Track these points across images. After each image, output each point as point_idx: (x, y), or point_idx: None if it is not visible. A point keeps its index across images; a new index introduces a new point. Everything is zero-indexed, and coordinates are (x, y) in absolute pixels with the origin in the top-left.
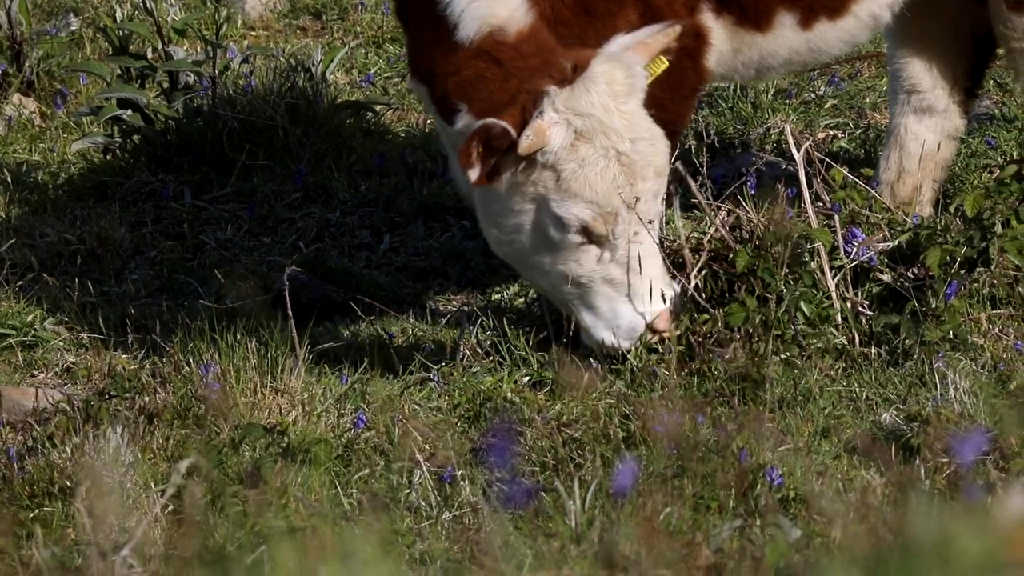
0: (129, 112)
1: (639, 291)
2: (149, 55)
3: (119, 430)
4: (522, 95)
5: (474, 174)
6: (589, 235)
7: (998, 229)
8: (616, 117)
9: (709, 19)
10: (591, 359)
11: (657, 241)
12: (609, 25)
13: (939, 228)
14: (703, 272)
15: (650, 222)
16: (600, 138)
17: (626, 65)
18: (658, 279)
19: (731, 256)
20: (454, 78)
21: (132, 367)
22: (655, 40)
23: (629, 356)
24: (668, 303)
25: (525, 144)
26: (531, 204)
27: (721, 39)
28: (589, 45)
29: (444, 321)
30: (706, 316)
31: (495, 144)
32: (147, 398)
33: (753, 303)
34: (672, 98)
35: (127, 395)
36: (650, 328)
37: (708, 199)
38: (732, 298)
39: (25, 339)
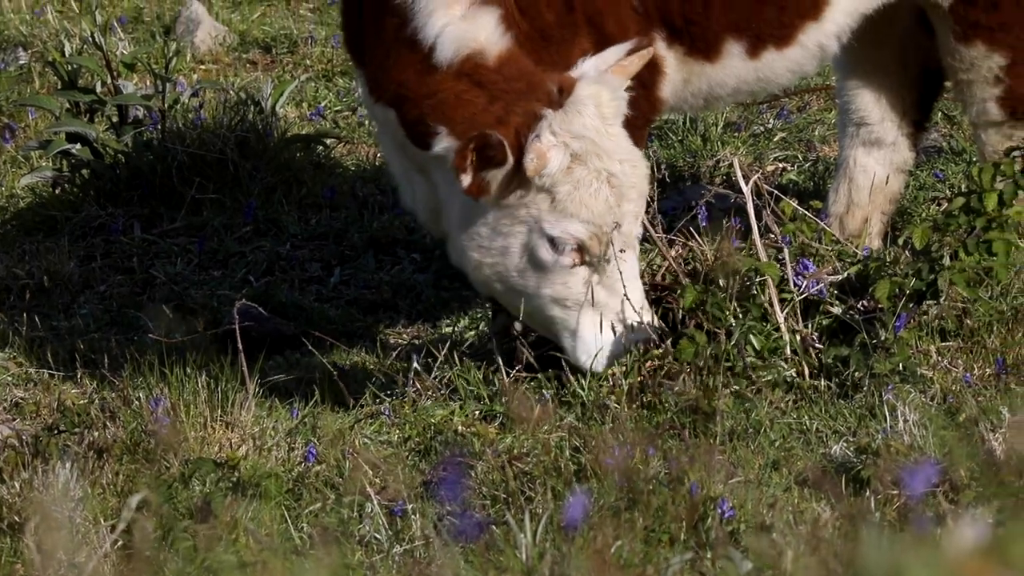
0: (78, 146)
1: (622, 314)
2: (98, 89)
3: (68, 465)
4: (514, 116)
5: (466, 179)
6: (582, 256)
7: (946, 261)
8: (606, 139)
9: (662, 48)
10: (542, 391)
11: (637, 264)
12: (564, 52)
13: (888, 260)
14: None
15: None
16: (594, 160)
17: (612, 87)
18: (640, 302)
19: (678, 292)
20: (430, 101)
21: (81, 402)
22: (631, 62)
23: (580, 390)
24: (649, 327)
25: (532, 166)
26: (521, 226)
27: (672, 69)
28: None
29: (395, 354)
30: (657, 351)
31: (489, 155)
32: (96, 433)
33: (702, 339)
34: (625, 128)
35: (76, 430)
36: (631, 351)
37: (659, 233)
38: (682, 332)
39: None
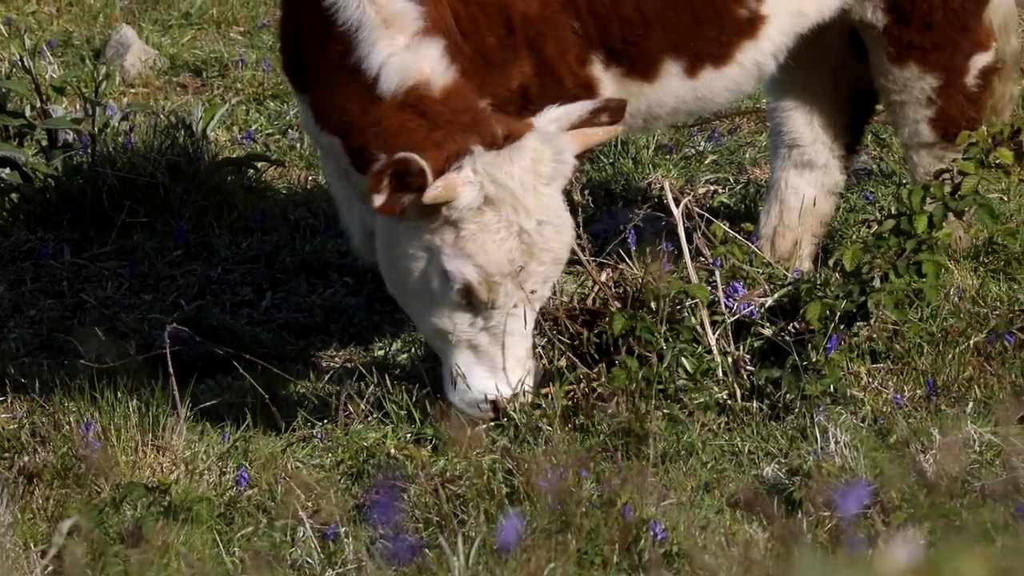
0: (7, 170)
1: (497, 367)
2: (27, 113)
3: None
4: (449, 144)
5: (379, 199)
6: (469, 297)
7: (876, 283)
8: (531, 196)
9: (599, 71)
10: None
11: (533, 325)
12: (504, 75)
13: (819, 282)
14: (586, 330)
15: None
16: (508, 210)
17: (559, 149)
18: (519, 362)
19: (608, 316)
20: (375, 129)
21: (11, 427)
22: (596, 134)
23: (512, 413)
24: (515, 387)
25: (431, 194)
26: (424, 252)
27: (610, 91)
28: (487, 95)
29: (327, 378)
30: (587, 373)
31: (407, 180)
32: (27, 458)
33: (634, 364)
34: None
35: (6, 455)
36: (492, 405)
37: (589, 256)
38: (614, 358)
39: None
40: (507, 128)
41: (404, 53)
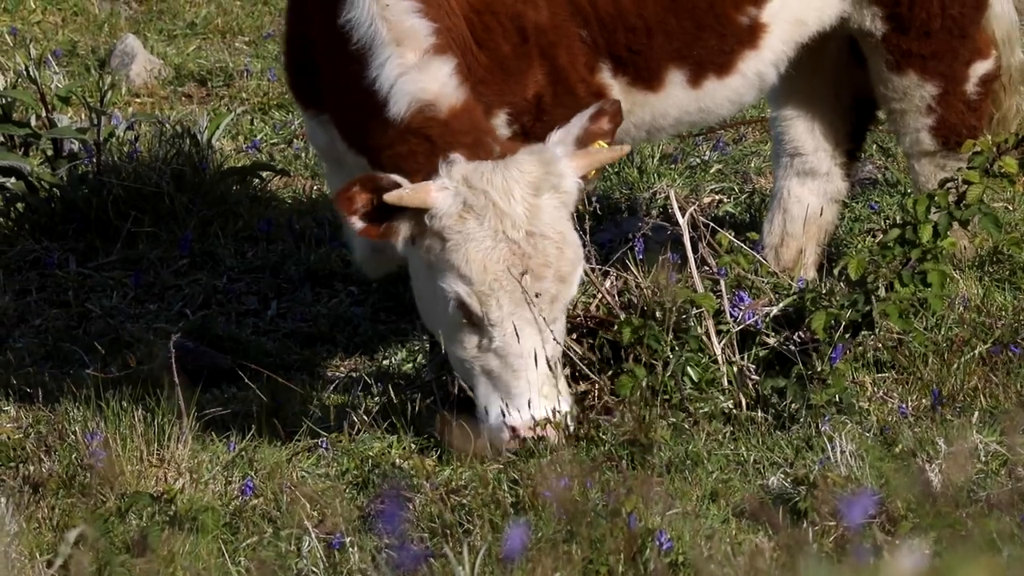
0: (13, 180)
1: (512, 392)
2: (33, 123)
3: (3, 500)
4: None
5: (356, 223)
6: (468, 315)
7: (882, 293)
8: (518, 205)
9: (608, 78)
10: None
11: (554, 347)
12: (521, 83)
13: (824, 292)
14: (588, 339)
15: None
16: (491, 218)
17: (547, 160)
18: (531, 385)
19: (616, 325)
20: (389, 153)
21: (17, 436)
22: (601, 155)
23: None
24: (539, 414)
25: (394, 195)
26: (426, 270)
27: (619, 99)
28: (506, 104)
29: (332, 387)
30: (590, 385)
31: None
32: (32, 467)
33: (642, 372)
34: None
35: (11, 464)
36: (512, 432)
37: (595, 264)
38: (619, 365)
39: None
40: (506, 148)
41: (413, 72)
